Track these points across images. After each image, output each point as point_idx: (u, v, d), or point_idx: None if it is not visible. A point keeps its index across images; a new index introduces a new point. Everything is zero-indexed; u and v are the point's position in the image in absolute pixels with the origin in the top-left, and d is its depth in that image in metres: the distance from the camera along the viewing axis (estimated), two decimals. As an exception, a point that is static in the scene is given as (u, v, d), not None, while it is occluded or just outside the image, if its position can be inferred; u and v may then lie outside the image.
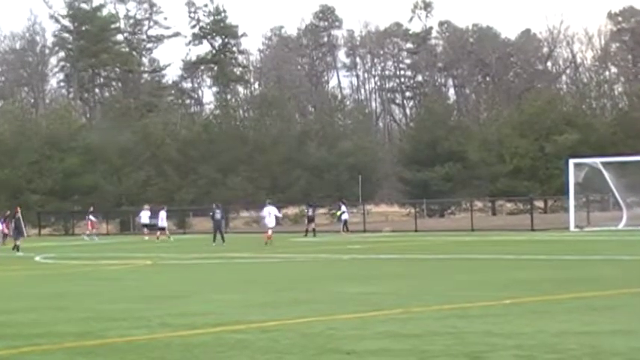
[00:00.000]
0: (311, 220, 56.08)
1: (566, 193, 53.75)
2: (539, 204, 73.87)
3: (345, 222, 58.70)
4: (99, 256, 39.00)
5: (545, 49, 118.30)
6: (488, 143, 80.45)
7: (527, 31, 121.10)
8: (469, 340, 12.11)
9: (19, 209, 40.62)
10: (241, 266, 31.12)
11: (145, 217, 59.54)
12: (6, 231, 49.02)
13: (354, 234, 56.08)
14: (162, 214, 56.19)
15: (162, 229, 55.99)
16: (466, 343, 11.86)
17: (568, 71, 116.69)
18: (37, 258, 37.99)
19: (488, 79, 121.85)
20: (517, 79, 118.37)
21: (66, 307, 18.09)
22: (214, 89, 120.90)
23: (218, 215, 47.93)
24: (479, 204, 74.58)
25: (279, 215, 49.83)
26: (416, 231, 56.12)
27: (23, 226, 43.88)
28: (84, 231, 61.68)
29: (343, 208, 59.37)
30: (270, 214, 47.08)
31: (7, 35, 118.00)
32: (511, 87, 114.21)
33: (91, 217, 60.26)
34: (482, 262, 28.91)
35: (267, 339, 12.78)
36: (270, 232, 45.60)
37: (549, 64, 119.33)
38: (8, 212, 50.04)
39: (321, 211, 77.83)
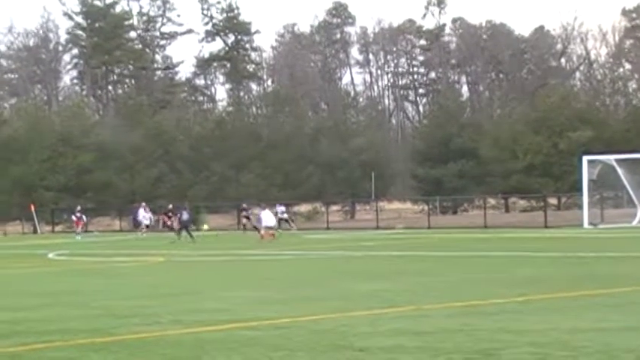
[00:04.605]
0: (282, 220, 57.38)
1: (580, 190, 53.58)
2: (553, 201, 73.63)
3: (285, 220, 58.79)
4: (111, 252, 39.05)
5: (559, 46, 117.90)
6: (502, 140, 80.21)
7: (541, 27, 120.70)
8: (481, 337, 12.07)
9: (32, 206, 40.69)
10: (253, 263, 31.11)
11: (141, 214, 60.58)
12: None
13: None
14: (142, 211, 56.45)
15: (142, 225, 56.62)
16: (478, 340, 11.82)
17: (582, 68, 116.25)
18: (51, 255, 38.07)
19: (501, 75, 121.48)
20: (530, 75, 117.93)
21: (78, 303, 18.11)
22: (227, 86, 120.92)
23: (185, 216, 50.10)
24: (492, 201, 74.30)
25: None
26: (429, 228, 56.05)
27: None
28: (87, 229, 62.28)
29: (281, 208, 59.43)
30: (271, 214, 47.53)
31: (21, 32, 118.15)
32: (524, 84, 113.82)
33: (77, 215, 60.76)
34: (495, 260, 28.84)
35: (278, 336, 12.77)
36: (272, 230, 45.82)
37: (563, 60, 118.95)
38: None
39: (335, 208, 77.81)
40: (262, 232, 46.22)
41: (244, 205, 60.33)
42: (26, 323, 15.12)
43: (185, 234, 48.64)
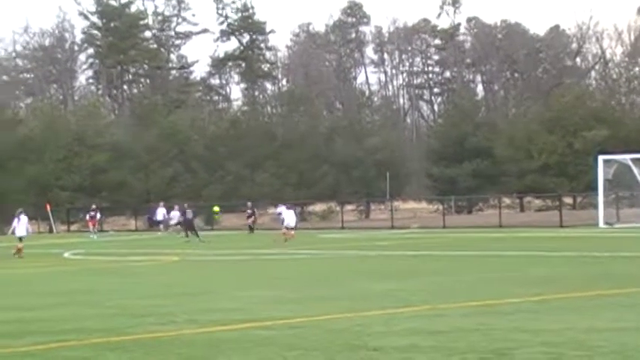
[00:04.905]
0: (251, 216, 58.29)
1: (595, 189, 53.40)
2: (568, 200, 73.43)
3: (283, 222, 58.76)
4: (126, 252, 39.13)
5: (574, 45, 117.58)
6: (517, 139, 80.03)
7: (556, 27, 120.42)
8: (496, 337, 12.05)
9: (48, 205, 40.77)
10: (268, 263, 31.13)
11: (160, 214, 60.40)
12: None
13: (361, 231, 55.89)
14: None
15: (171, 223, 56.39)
16: (493, 340, 11.81)
17: (597, 67, 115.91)
18: (66, 254, 38.17)
19: (516, 75, 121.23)
20: (546, 75, 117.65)
21: (93, 302, 18.16)
22: (242, 86, 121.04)
23: (190, 215, 50.99)
24: (507, 200, 74.12)
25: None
26: (444, 227, 55.98)
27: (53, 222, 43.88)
28: (102, 229, 62.10)
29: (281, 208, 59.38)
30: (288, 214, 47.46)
31: (37, 32, 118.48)
32: (540, 83, 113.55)
33: (91, 214, 60.79)
34: (511, 259, 28.79)
35: (293, 335, 12.77)
36: (292, 231, 45.77)
37: (578, 60, 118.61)
38: None
39: (349, 207, 77.79)
40: (284, 231, 46.13)
41: (249, 204, 60.19)
42: (41, 322, 15.17)
43: (189, 233, 49.50)
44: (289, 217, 47.32)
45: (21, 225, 37.92)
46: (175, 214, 57.50)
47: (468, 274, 22.99)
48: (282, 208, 57.19)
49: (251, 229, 57.93)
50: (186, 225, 50.97)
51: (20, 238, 37.50)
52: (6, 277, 27.54)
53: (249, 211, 59.42)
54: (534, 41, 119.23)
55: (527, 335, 12.15)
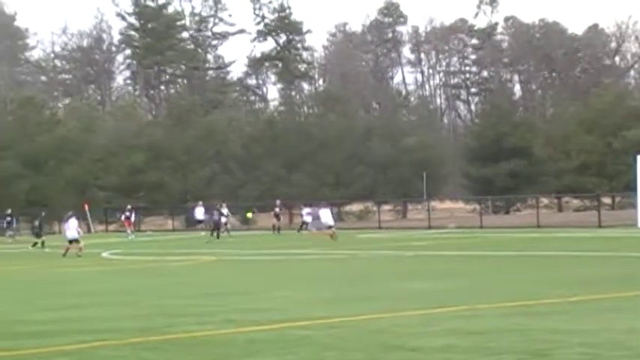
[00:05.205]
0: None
1: (634, 189, 52.99)
2: (607, 200, 72.89)
3: (304, 223, 58.65)
4: (164, 252, 39.30)
5: (613, 44, 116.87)
6: (554, 139, 79.60)
7: (595, 26, 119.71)
8: (534, 338, 12.00)
9: (86, 205, 41.00)
10: (305, 263, 31.16)
11: (199, 213, 60.29)
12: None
13: (398, 231, 55.79)
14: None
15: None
16: (531, 341, 11.76)
17: (636, 66, 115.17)
18: (104, 254, 38.39)
19: (554, 74, 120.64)
20: (584, 74, 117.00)
21: (132, 302, 18.25)
22: (279, 86, 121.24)
23: (216, 216, 51.27)
24: (545, 200, 73.66)
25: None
26: (481, 227, 55.76)
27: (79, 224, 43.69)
28: (140, 229, 62.31)
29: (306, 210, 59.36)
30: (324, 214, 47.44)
31: (75, 33, 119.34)
32: (578, 82, 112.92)
33: (126, 214, 60.99)
34: (548, 259, 28.64)
35: (331, 335, 12.77)
36: (331, 230, 45.73)
37: (617, 59, 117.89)
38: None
39: (386, 207, 77.70)
40: (328, 231, 46.05)
41: (277, 202, 60.21)
42: (81, 322, 15.27)
43: (215, 233, 49.72)
44: (326, 216, 47.27)
45: (71, 228, 38.17)
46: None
47: (506, 274, 22.90)
48: (307, 209, 57.39)
49: (277, 229, 57.84)
50: (214, 225, 50.91)
51: (70, 241, 37.77)
52: (46, 277, 27.76)
53: (276, 209, 59.42)
54: (572, 40, 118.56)
55: (565, 336, 12.08)
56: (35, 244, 46.23)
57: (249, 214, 59.82)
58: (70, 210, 41.76)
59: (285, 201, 65.56)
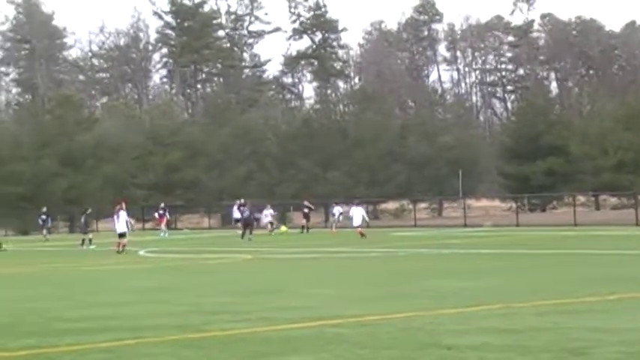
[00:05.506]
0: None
1: (673, 187, 52.64)
2: (644, 198, 72.44)
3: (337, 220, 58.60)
4: (200, 250, 39.46)
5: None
6: (591, 137, 79.15)
7: (632, 23, 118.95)
8: (571, 336, 11.96)
9: (123, 203, 41.23)
10: (339, 261, 31.17)
11: (237, 212, 60.13)
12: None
13: (433, 229, 55.68)
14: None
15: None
16: (568, 339, 11.72)
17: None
18: (141, 252, 38.59)
19: (591, 72, 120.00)
20: (621, 71, 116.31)
21: (168, 300, 18.36)
22: (314, 84, 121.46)
23: (246, 214, 50.99)
24: (581, 198, 73.32)
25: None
26: (517, 226, 55.57)
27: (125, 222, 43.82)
28: (177, 227, 62.44)
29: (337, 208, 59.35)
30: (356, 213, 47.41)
31: (112, 32, 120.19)
32: (615, 80, 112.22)
33: (160, 212, 61.20)
34: (585, 257, 28.49)
35: (365, 333, 12.79)
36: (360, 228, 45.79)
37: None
38: None
39: (422, 205, 77.60)
40: (359, 229, 46.12)
41: (306, 203, 60.10)
42: (118, 319, 15.39)
43: (247, 231, 49.39)
44: (357, 215, 47.25)
45: (121, 222, 38.32)
46: (268, 212, 57.70)
47: (542, 272, 22.81)
48: (337, 208, 57.49)
49: (305, 228, 57.83)
50: (245, 222, 50.79)
51: (120, 235, 37.92)
52: (83, 274, 27.96)
53: (305, 209, 59.33)
54: (610, 37, 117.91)
55: (603, 334, 12.03)
56: (83, 241, 45.96)
57: (284, 228, 59.42)
58: (108, 207, 41.96)
59: (319, 199, 65.58)
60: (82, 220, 49.45)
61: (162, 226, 60.70)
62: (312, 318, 14.49)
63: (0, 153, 73.93)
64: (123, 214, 38.94)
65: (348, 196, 66.34)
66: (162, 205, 62.41)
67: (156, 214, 62.24)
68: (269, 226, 56.83)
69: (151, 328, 13.90)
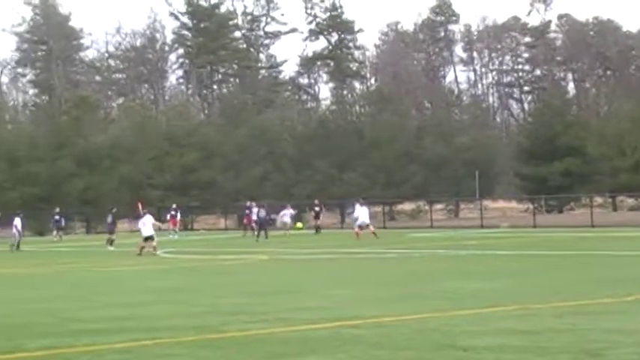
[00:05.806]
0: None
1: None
2: (662, 199, 72.19)
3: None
4: (217, 251, 39.50)
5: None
6: (609, 137, 78.87)
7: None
8: (588, 338, 11.93)
9: (140, 204, 41.25)
10: (356, 262, 31.15)
11: (255, 213, 60.20)
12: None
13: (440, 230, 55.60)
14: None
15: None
16: (585, 341, 11.69)
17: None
18: (159, 252, 38.66)
19: (608, 72, 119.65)
20: (639, 72, 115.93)
21: (185, 301, 18.38)
22: (331, 85, 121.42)
23: (262, 214, 51.49)
24: (599, 200, 73.06)
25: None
26: (534, 227, 55.44)
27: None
28: (193, 228, 62.33)
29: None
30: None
31: (129, 33, 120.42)
32: (632, 80, 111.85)
33: (171, 213, 61.20)
34: (603, 259, 28.41)
35: (382, 334, 12.78)
36: (361, 229, 45.69)
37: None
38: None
39: (438, 206, 77.50)
40: (356, 230, 46.14)
41: (316, 202, 59.98)
42: (135, 320, 15.42)
43: (262, 232, 49.73)
44: (363, 214, 47.19)
45: (147, 225, 38.27)
46: (287, 212, 57.61)
47: (560, 274, 22.75)
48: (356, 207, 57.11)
49: (317, 229, 57.74)
50: (259, 223, 51.06)
51: (146, 238, 37.83)
52: (101, 275, 28.02)
53: (316, 208, 59.20)
54: (627, 38, 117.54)
55: (620, 336, 11.99)
56: (111, 242, 45.51)
57: (300, 225, 59.37)
58: (125, 208, 41.91)
59: (335, 201, 65.48)
60: (110, 219, 48.83)
61: (174, 227, 60.65)
62: (329, 319, 14.49)
63: (17, 154, 74.15)
64: (149, 217, 38.89)
65: (365, 197, 66.28)
66: (173, 206, 62.46)
67: (168, 215, 62.27)
68: (286, 225, 56.77)
69: (168, 329, 13.92)
